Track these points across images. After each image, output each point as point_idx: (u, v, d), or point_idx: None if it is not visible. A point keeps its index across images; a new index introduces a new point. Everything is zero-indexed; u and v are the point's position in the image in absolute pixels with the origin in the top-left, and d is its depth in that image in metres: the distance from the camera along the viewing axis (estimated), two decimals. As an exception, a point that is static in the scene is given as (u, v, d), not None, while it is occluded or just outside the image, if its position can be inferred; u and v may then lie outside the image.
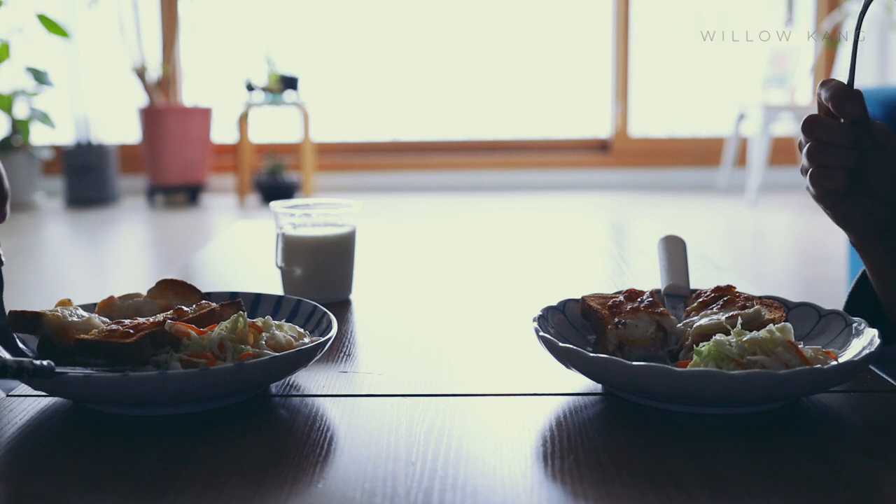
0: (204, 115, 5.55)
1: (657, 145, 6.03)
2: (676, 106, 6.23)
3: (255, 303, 0.93)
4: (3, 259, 0.74)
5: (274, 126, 6.00)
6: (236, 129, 5.41)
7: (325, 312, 0.88)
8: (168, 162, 5.41)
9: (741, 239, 4.42)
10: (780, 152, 5.56)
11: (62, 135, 5.83)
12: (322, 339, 0.79)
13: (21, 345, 0.78)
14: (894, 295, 0.88)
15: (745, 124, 5.42)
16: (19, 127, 5.31)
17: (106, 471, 0.63)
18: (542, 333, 0.78)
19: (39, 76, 5.31)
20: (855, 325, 0.81)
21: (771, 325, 0.75)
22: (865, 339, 0.77)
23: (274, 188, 5.36)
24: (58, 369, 0.68)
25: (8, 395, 0.78)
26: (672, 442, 0.67)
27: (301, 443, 0.68)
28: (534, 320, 0.82)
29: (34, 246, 4.33)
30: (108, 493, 0.60)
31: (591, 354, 0.73)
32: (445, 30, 6.14)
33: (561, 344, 0.75)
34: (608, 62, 6.03)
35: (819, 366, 0.70)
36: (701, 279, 1.05)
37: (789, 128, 5.58)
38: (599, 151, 6.06)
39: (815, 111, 0.85)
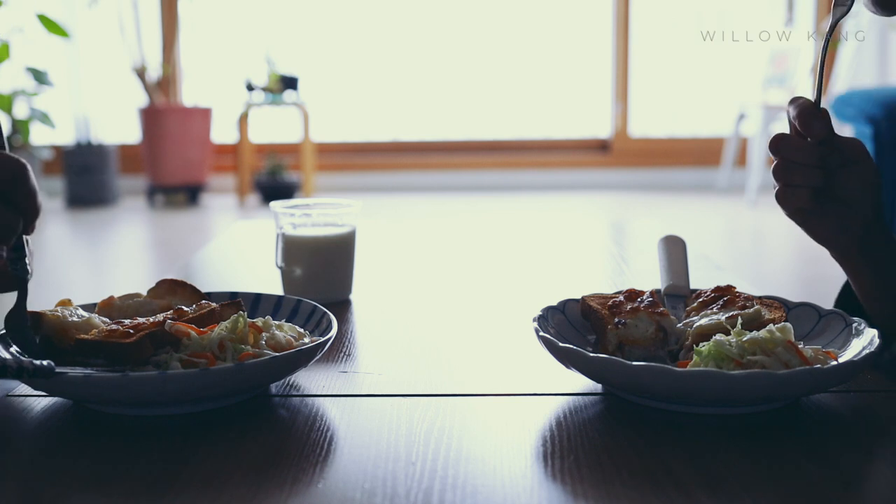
0: (204, 115, 5.55)
1: (657, 145, 6.03)
2: (676, 106, 6.23)
3: (255, 303, 0.93)
4: (32, 270, 0.75)
5: (274, 126, 6.00)
6: (236, 129, 5.41)
7: (325, 312, 0.88)
8: (168, 162, 5.41)
9: (741, 239, 4.42)
10: (780, 152, 5.55)
11: (62, 135, 5.83)
12: (322, 339, 0.79)
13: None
14: (877, 304, 0.89)
15: (745, 124, 5.42)
16: (19, 127, 5.31)
17: (106, 471, 0.63)
18: (542, 333, 0.78)
19: (39, 76, 5.31)
20: (855, 325, 0.81)
21: (771, 325, 0.75)
22: (865, 339, 0.77)
23: (274, 188, 5.36)
24: (58, 369, 0.68)
25: (8, 396, 0.78)
26: (672, 442, 0.67)
27: (301, 443, 0.68)
28: (534, 320, 0.82)
29: (34, 246, 4.32)
30: (108, 493, 0.60)
31: (591, 354, 0.73)
32: (445, 30, 6.14)
33: (561, 344, 0.75)
34: (608, 62, 6.03)
35: (819, 366, 0.70)
36: (701, 279, 1.05)
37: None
38: (599, 151, 6.06)
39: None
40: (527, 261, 1.49)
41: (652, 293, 0.86)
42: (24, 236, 0.75)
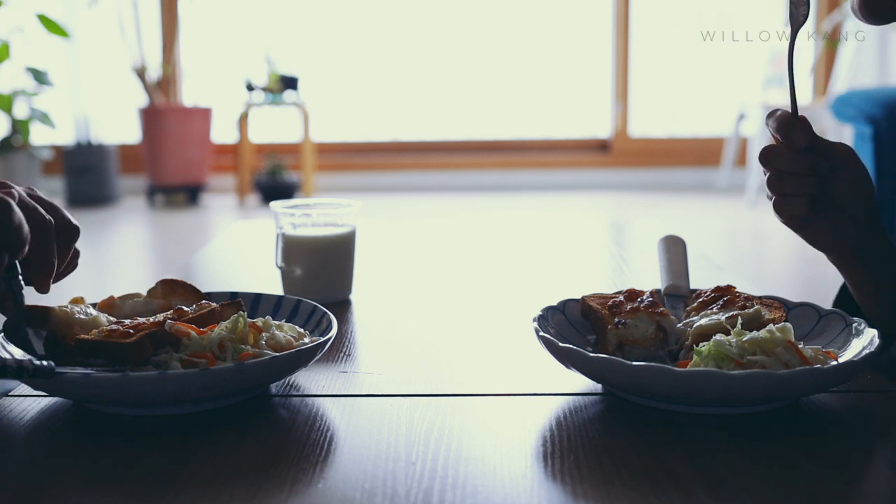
0: (204, 115, 5.55)
1: (657, 145, 6.03)
2: (676, 106, 6.22)
3: (255, 303, 0.93)
4: (24, 298, 0.77)
5: (274, 126, 6.00)
6: (236, 129, 5.41)
7: (325, 312, 0.88)
8: (168, 162, 5.41)
9: (741, 239, 4.42)
10: (780, 152, 5.55)
11: (62, 135, 5.83)
12: (322, 339, 0.79)
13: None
14: (874, 306, 0.90)
15: (745, 124, 5.42)
16: (19, 127, 5.31)
17: (106, 471, 0.63)
18: (542, 333, 0.78)
19: (39, 76, 5.31)
20: (855, 325, 0.81)
21: (771, 325, 0.75)
22: (865, 339, 0.77)
23: (274, 188, 5.35)
24: (58, 369, 0.68)
25: (8, 395, 0.78)
26: (672, 442, 0.67)
27: (301, 443, 0.68)
28: (534, 320, 0.82)
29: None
30: (108, 493, 0.60)
31: (591, 354, 0.73)
32: (445, 30, 6.14)
33: (561, 344, 0.75)
34: (608, 62, 6.03)
35: (819, 366, 0.71)
36: (701, 279, 1.05)
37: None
38: (599, 151, 6.06)
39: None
40: (527, 261, 1.49)
41: (652, 293, 0.86)
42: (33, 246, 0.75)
